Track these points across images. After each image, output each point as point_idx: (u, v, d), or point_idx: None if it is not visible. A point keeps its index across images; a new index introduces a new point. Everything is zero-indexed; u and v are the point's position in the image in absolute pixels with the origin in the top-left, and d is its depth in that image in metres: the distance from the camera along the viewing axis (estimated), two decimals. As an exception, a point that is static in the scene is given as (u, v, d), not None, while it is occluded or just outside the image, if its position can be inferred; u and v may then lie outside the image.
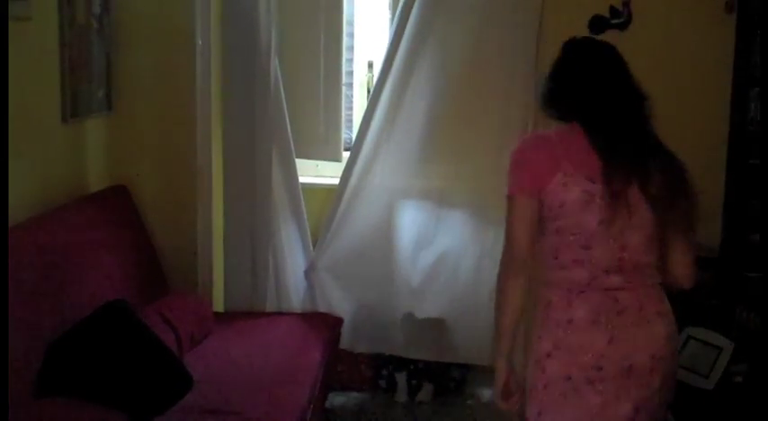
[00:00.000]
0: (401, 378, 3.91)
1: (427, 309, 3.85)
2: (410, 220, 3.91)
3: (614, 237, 2.09)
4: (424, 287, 3.87)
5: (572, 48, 2.27)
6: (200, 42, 3.52)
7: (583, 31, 3.62)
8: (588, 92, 2.18)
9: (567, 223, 2.10)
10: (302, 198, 3.91)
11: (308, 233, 3.95)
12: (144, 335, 2.79)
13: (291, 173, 3.86)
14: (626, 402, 2.12)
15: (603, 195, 2.06)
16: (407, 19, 3.65)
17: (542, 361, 2.15)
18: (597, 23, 3.64)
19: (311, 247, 3.94)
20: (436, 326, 3.85)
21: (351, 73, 4.21)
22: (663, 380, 2.15)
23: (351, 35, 4.16)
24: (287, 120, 3.78)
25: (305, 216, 3.93)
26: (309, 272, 3.91)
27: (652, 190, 2.11)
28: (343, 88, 4.07)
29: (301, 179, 3.99)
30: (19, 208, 2.72)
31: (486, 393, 3.95)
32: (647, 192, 2.11)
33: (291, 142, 3.82)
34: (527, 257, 2.12)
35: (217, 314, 3.56)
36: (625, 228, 2.09)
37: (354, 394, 3.93)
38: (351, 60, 4.19)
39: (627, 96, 2.20)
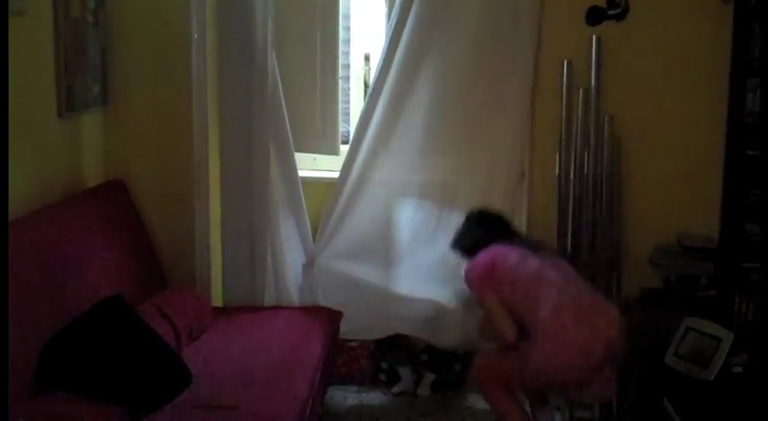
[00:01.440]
0: (405, 371, 3.90)
1: (426, 307, 3.85)
2: (411, 216, 3.90)
3: (553, 267, 3.04)
4: (424, 285, 3.86)
5: (479, 213, 3.37)
6: (195, 36, 3.51)
7: (581, 21, 3.62)
8: (502, 229, 3.28)
9: (522, 271, 3.03)
10: (302, 192, 3.90)
11: (308, 227, 3.94)
12: (142, 330, 2.78)
13: (290, 167, 3.84)
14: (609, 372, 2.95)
15: (531, 254, 3.08)
16: (408, 11, 3.63)
17: (549, 358, 2.88)
18: (594, 14, 3.63)
19: (311, 241, 3.93)
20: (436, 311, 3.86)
21: (347, 66, 4.20)
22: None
23: (347, 28, 4.15)
24: (285, 113, 3.77)
25: (305, 210, 3.91)
26: (307, 266, 3.90)
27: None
28: (340, 81, 4.05)
29: (299, 173, 3.98)
30: (15, 204, 2.71)
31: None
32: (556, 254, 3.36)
33: (290, 136, 3.80)
34: (515, 336, 2.99)
35: (215, 308, 3.55)
36: (555, 265, 3.06)
37: (354, 388, 3.92)
38: (347, 53, 4.18)
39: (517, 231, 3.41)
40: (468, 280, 3.16)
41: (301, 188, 3.90)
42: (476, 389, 3.49)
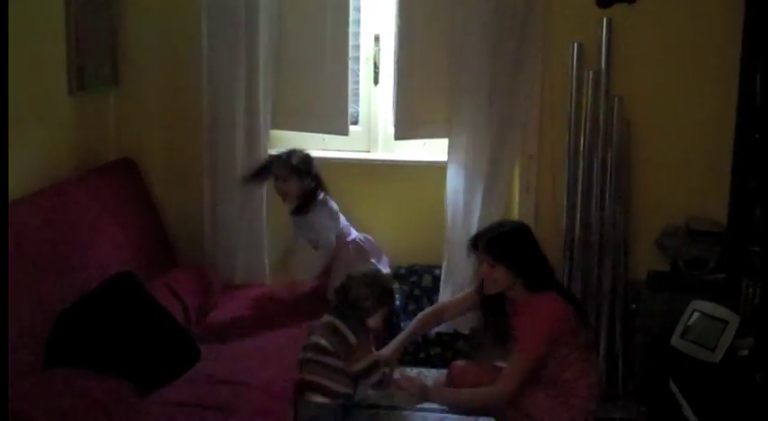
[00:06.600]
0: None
1: None
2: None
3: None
4: None
5: (531, 235, 2.95)
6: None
7: (591, 4, 3.60)
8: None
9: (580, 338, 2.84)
10: None
11: None
12: (151, 306, 2.81)
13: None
14: None
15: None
16: None
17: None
18: (605, -4, 3.61)
19: None
20: None
21: (357, 46, 4.18)
22: None
23: (357, 9, 4.13)
24: (268, 90, 3.77)
25: None
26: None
27: None
28: (350, 62, 4.04)
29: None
30: (26, 180, 2.73)
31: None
32: None
33: (268, 113, 3.80)
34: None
35: (224, 286, 3.57)
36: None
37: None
38: (357, 34, 4.16)
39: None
40: (532, 333, 2.78)
41: None
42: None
